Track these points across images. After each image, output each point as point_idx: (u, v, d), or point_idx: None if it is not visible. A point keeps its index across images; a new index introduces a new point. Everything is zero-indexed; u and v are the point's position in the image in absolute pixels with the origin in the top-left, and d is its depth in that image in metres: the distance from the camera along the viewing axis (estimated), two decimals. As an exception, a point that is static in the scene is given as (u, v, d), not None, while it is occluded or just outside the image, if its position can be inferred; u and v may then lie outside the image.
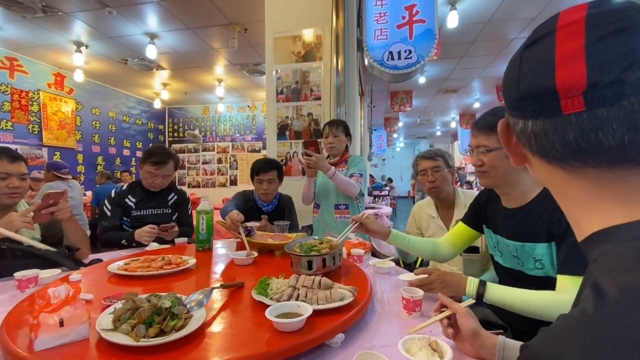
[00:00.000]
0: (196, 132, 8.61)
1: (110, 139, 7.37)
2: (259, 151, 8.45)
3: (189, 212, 2.10)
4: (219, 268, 1.36)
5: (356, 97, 3.46)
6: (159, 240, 1.79)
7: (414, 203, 2.16)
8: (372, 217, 1.35)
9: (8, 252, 1.33)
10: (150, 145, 8.06)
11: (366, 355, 0.67)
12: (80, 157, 6.62)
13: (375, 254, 1.79)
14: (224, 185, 8.67)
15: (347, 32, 2.67)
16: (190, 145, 8.86)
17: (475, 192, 1.61)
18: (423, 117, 11.17)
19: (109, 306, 0.85)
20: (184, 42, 5.02)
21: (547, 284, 0.96)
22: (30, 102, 5.63)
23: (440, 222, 1.71)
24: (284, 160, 2.83)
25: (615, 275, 0.29)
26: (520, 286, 0.96)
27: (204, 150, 8.83)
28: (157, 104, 8.16)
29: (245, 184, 8.11)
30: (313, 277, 0.96)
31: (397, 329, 0.87)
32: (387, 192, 9.65)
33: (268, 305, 0.83)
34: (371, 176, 12.20)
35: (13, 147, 3.34)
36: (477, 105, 9.05)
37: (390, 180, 14.33)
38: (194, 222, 1.78)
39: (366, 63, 2.74)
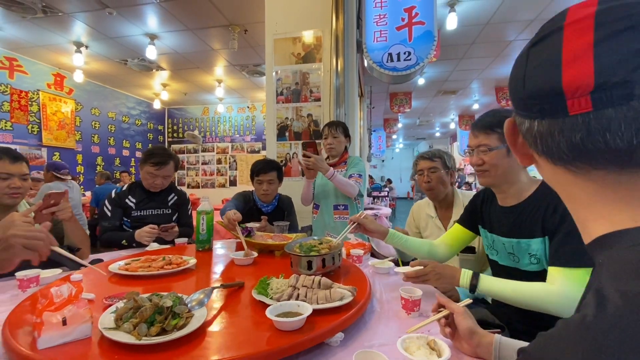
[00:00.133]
0: (196, 132, 8.61)
1: (109, 140, 7.37)
2: (258, 152, 8.46)
3: (189, 212, 2.10)
4: (219, 268, 1.36)
5: (356, 99, 3.47)
6: (159, 240, 1.79)
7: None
8: (370, 217, 1.36)
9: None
10: (150, 145, 8.08)
11: (365, 353, 0.68)
12: (79, 158, 6.62)
13: (374, 254, 1.80)
14: (223, 185, 8.67)
15: (347, 33, 2.69)
16: (189, 146, 8.86)
17: (474, 193, 1.63)
18: (422, 118, 11.19)
19: (110, 305, 0.85)
20: (184, 42, 5.03)
21: (542, 278, 0.98)
22: (29, 103, 5.63)
23: (439, 222, 1.72)
24: (284, 161, 2.84)
25: (618, 282, 0.28)
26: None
27: (204, 150, 8.83)
28: (157, 105, 8.16)
29: (245, 185, 8.11)
30: (313, 277, 0.97)
31: (396, 329, 0.88)
32: (386, 193, 9.67)
33: (268, 305, 0.83)
34: (370, 177, 12.20)
35: (12, 147, 3.34)
36: (476, 106, 9.08)
37: (389, 181, 14.35)
38: (194, 223, 1.79)
39: (366, 64, 2.75)
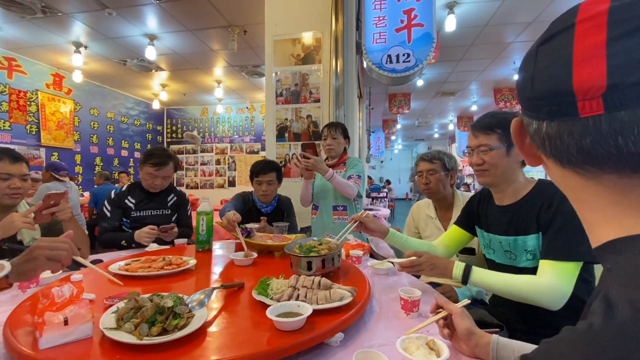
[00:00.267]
0: (195, 133, 8.61)
1: (108, 140, 7.36)
2: (257, 152, 8.46)
3: (189, 213, 2.11)
4: (218, 269, 1.37)
5: (355, 100, 3.48)
6: (159, 241, 1.80)
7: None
8: (371, 216, 1.38)
9: (8, 253, 1.34)
10: (149, 146, 8.07)
11: (365, 353, 0.68)
12: (78, 158, 6.60)
13: (373, 255, 1.81)
14: (222, 186, 8.67)
15: (346, 35, 2.70)
16: (188, 147, 8.85)
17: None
18: (421, 119, 11.22)
19: (111, 306, 0.86)
20: (184, 43, 5.03)
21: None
22: (28, 103, 5.62)
23: (438, 223, 1.73)
24: (283, 162, 2.84)
25: (628, 289, 0.27)
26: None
27: (202, 151, 8.82)
28: (156, 105, 8.15)
29: (244, 186, 8.11)
30: (313, 277, 0.98)
31: (395, 329, 0.88)
32: (385, 194, 9.68)
33: (268, 305, 0.84)
34: (369, 178, 12.22)
35: (11, 147, 3.34)
36: (474, 107, 9.11)
37: (388, 182, 14.37)
38: (194, 223, 1.79)
39: (365, 66, 2.76)
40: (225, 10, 4.06)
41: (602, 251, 0.34)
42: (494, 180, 1.13)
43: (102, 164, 7.14)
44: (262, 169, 2.05)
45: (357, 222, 1.34)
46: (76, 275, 1.17)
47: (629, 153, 0.29)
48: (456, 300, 1.23)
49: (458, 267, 1.05)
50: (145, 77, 6.69)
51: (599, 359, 0.25)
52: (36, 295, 0.94)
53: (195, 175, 8.83)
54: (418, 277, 1.40)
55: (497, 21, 4.44)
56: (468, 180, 11.28)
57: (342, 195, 2.06)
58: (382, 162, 19.11)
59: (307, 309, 0.80)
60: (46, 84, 5.94)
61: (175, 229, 1.84)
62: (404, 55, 2.57)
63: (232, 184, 8.62)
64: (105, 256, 1.59)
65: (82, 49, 5.14)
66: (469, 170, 11.21)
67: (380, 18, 2.64)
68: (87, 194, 5.53)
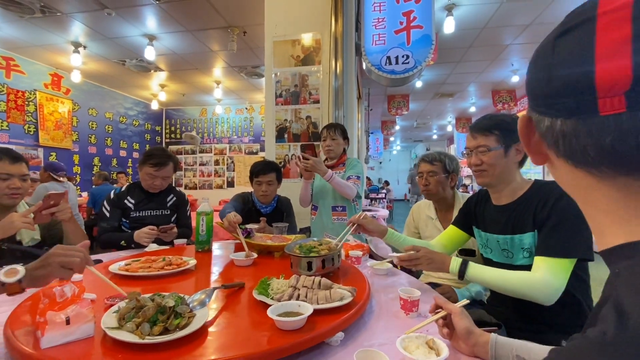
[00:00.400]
0: (193, 133, 8.60)
1: (106, 140, 7.35)
2: (256, 153, 8.46)
3: (188, 213, 2.11)
4: (218, 269, 1.37)
5: (354, 101, 3.50)
6: (158, 241, 1.80)
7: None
8: (369, 217, 1.39)
9: (7, 253, 1.34)
10: (147, 146, 8.06)
11: (366, 352, 0.69)
12: (76, 158, 6.58)
13: (372, 256, 1.82)
14: (220, 187, 8.66)
15: (346, 36, 2.71)
16: (187, 147, 8.85)
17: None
18: (420, 120, 11.25)
19: (112, 305, 0.86)
20: (183, 44, 5.04)
21: None
22: (26, 102, 5.60)
23: (439, 224, 1.74)
24: (283, 163, 2.85)
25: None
26: None
27: (201, 151, 8.82)
28: (155, 105, 8.14)
29: (243, 186, 8.11)
30: (313, 277, 0.98)
31: (395, 329, 0.89)
32: (383, 195, 9.70)
33: (268, 305, 0.84)
34: (368, 179, 12.24)
35: (8, 147, 3.33)
36: (472, 109, 9.15)
37: (387, 183, 14.39)
38: (193, 224, 1.79)
39: (364, 67, 2.77)
40: (225, 11, 4.06)
41: (610, 254, 0.33)
42: (492, 181, 1.15)
43: (100, 164, 7.12)
44: (262, 170, 2.06)
45: (356, 225, 1.35)
46: (76, 275, 1.17)
47: None
48: (455, 301, 1.23)
49: (455, 262, 1.07)
50: (144, 78, 6.68)
51: None
52: (37, 295, 0.94)
53: (194, 176, 8.82)
54: (417, 277, 1.41)
55: (495, 23, 4.47)
56: (466, 182, 11.31)
57: (341, 195, 2.07)
58: (380, 163, 19.15)
59: (307, 309, 0.80)
60: (44, 84, 5.92)
61: (175, 230, 1.84)
62: (403, 56, 2.58)
63: (230, 184, 8.61)
64: (104, 256, 1.58)
65: (81, 49, 5.13)
66: (467, 171, 11.25)
67: (380, 20, 2.65)
68: (85, 194, 5.52)
